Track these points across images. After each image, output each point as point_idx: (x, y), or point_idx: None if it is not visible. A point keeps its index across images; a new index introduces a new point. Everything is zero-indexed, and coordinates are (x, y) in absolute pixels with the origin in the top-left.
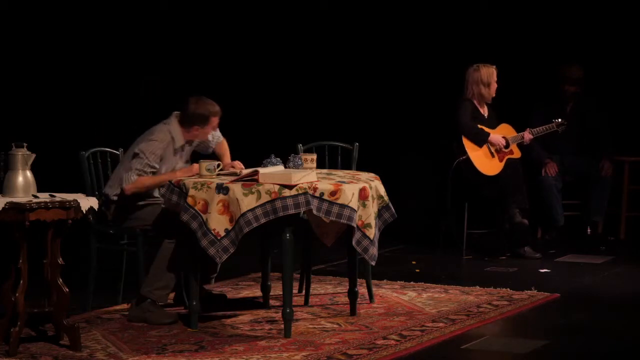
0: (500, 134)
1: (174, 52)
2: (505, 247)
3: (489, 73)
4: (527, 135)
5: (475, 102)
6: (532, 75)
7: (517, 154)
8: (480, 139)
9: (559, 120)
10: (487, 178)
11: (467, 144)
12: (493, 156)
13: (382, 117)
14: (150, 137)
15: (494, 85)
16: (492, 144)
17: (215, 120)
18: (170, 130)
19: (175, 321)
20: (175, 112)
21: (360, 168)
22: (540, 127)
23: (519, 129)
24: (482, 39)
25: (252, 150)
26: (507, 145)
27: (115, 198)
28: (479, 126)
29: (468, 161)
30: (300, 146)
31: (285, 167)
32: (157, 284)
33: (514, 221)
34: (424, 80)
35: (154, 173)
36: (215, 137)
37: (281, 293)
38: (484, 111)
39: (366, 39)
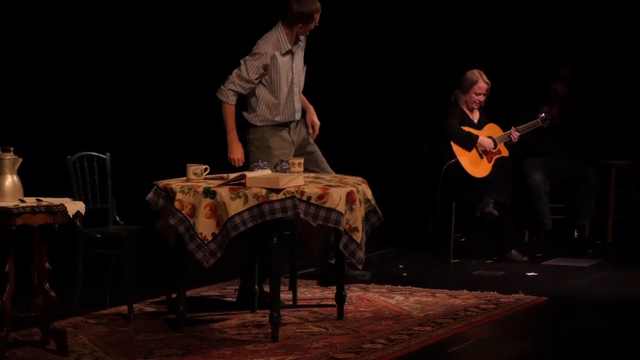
0: (486, 133)
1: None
2: (492, 251)
3: (473, 81)
4: (515, 134)
5: (464, 107)
6: (519, 74)
7: (504, 152)
8: (469, 143)
9: (543, 115)
10: (477, 180)
11: (456, 148)
12: (482, 158)
13: (369, 120)
14: (254, 50)
15: (474, 97)
16: (481, 147)
17: (317, 17)
18: (277, 36)
19: None
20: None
21: (348, 172)
22: (526, 124)
23: (506, 128)
24: (472, 42)
25: (204, 153)
26: (495, 146)
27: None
28: (467, 129)
29: (458, 165)
30: None
31: (273, 171)
32: None
33: (484, 210)
34: (412, 83)
35: (250, 88)
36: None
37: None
38: (474, 115)
39: (356, 42)
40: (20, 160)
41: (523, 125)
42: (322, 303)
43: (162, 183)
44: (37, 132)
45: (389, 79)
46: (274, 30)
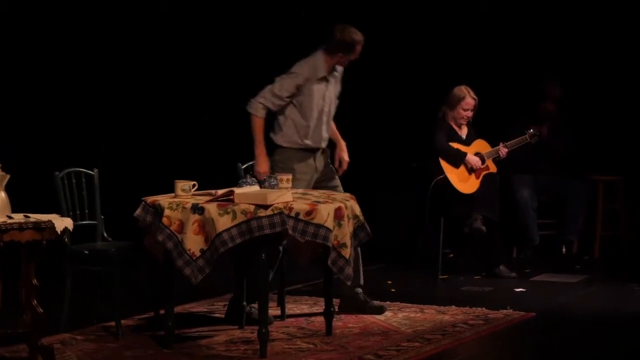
0: (475, 149)
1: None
2: (480, 267)
3: (460, 97)
4: (503, 150)
5: (451, 122)
6: (507, 90)
7: (492, 168)
8: (458, 160)
9: (532, 130)
10: (465, 197)
11: (445, 165)
12: (470, 174)
13: (356, 136)
14: (291, 69)
15: (461, 112)
16: (469, 164)
17: (359, 49)
18: (314, 61)
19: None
20: (324, 46)
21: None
22: (514, 140)
23: (495, 144)
24: (460, 58)
25: (192, 170)
26: (483, 162)
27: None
28: (455, 146)
29: (446, 181)
30: (239, 165)
31: (261, 187)
32: None
33: (472, 226)
34: (400, 99)
35: (280, 105)
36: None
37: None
38: (462, 131)
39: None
40: (8, 176)
41: (511, 141)
42: (310, 319)
43: (150, 199)
44: (25, 148)
45: (377, 95)
46: (313, 55)
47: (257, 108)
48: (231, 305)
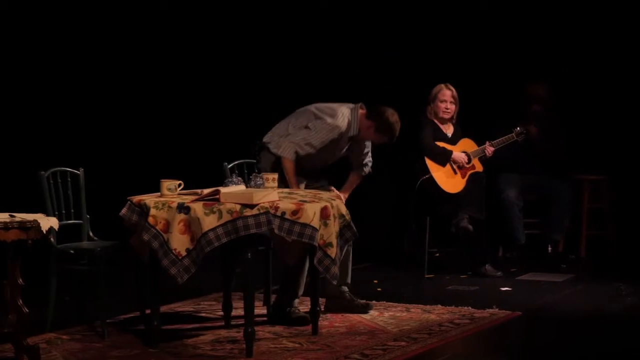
0: (461, 148)
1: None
2: (466, 266)
3: (437, 90)
4: (489, 149)
5: (436, 121)
6: (495, 91)
7: (479, 167)
8: (443, 159)
9: (519, 129)
10: (450, 196)
11: (430, 164)
12: (456, 173)
13: None
14: (330, 121)
15: (440, 105)
16: (455, 162)
17: (386, 140)
18: (354, 119)
19: None
20: (360, 104)
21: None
22: (500, 139)
23: (481, 143)
24: (447, 58)
25: (178, 169)
26: (469, 161)
27: (273, 151)
28: (441, 144)
29: (431, 180)
30: (225, 164)
31: (247, 187)
32: None
33: (459, 225)
34: (383, 100)
35: (309, 153)
36: (366, 169)
37: (243, 312)
38: (448, 129)
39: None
40: None
41: (498, 140)
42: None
43: (136, 198)
44: (10, 148)
45: (362, 95)
46: (355, 110)
47: (290, 152)
48: (275, 305)
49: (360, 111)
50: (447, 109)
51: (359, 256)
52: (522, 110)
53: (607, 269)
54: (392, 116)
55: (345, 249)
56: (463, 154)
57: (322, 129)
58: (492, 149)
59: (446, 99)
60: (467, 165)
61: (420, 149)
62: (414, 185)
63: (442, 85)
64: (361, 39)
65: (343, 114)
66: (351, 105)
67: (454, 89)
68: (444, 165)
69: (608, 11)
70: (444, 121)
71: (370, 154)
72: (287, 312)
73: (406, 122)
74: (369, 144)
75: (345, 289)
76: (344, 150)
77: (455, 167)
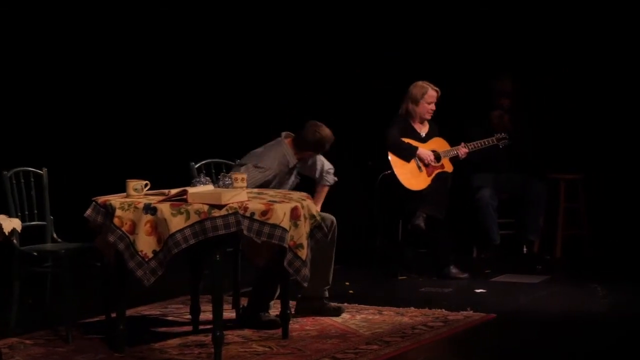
0: (431, 146)
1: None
2: (432, 268)
3: (422, 92)
4: (462, 150)
5: (409, 119)
6: (466, 89)
7: (448, 167)
8: (408, 154)
9: (501, 134)
10: (413, 193)
11: (393, 160)
12: (421, 170)
13: None
14: (259, 163)
15: (426, 106)
16: (421, 159)
17: (328, 146)
18: (283, 154)
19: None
20: (285, 133)
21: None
22: (479, 141)
23: (455, 143)
24: (417, 54)
25: (144, 169)
26: (438, 159)
27: None
28: (407, 141)
29: (393, 176)
30: (192, 164)
31: (215, 187)
32: None
33: (414, 223)
34: (356, 99)
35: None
36: (328, 178)
37: (211, 316)
38: (422, 128)
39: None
40: None
41: (476, 143)
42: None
43: (102, 199)
44: None
45: (334, 95)
46: (279, 146)
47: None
48: (246, 308)
49: (287, 140)
50: (432, 110)
51: None
52: (491, 106)
53: (583, 269)
54: (314, 134)
55: (328, 253)
56: (429, 152)
57: (254, 172)
58: (465, 150)
59: (432, 100)
60: (436, 164)
61: (385, 144)
62: (376, 182)
63: (427, 85)
64: (361, 39)
65: (273, 156)
66: (278, 139)
67: (437, 89)
68: (408, 161)
69: (583, 10)
70: (422, 120)
71: (325, 162)
72: (258, 315)
73: (377, 121)
74: (317, 157)
75: (327, 294)
76: (295, 176)
77: (421, 164)
